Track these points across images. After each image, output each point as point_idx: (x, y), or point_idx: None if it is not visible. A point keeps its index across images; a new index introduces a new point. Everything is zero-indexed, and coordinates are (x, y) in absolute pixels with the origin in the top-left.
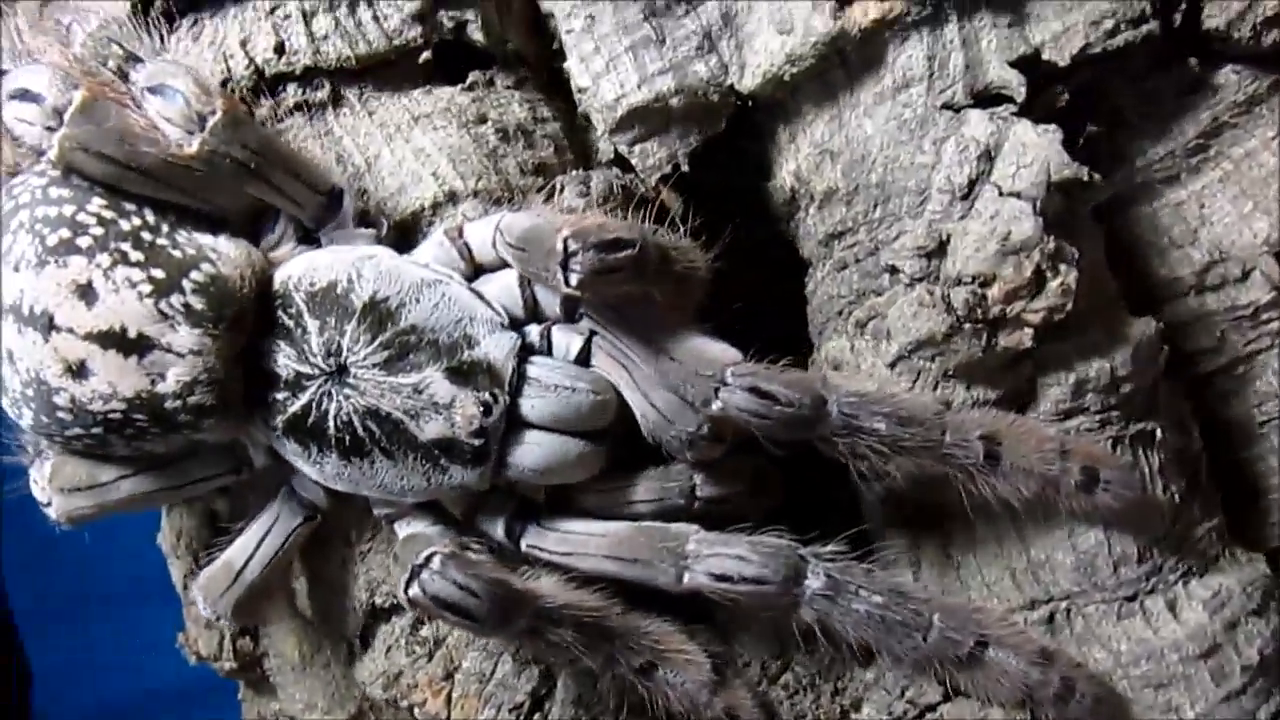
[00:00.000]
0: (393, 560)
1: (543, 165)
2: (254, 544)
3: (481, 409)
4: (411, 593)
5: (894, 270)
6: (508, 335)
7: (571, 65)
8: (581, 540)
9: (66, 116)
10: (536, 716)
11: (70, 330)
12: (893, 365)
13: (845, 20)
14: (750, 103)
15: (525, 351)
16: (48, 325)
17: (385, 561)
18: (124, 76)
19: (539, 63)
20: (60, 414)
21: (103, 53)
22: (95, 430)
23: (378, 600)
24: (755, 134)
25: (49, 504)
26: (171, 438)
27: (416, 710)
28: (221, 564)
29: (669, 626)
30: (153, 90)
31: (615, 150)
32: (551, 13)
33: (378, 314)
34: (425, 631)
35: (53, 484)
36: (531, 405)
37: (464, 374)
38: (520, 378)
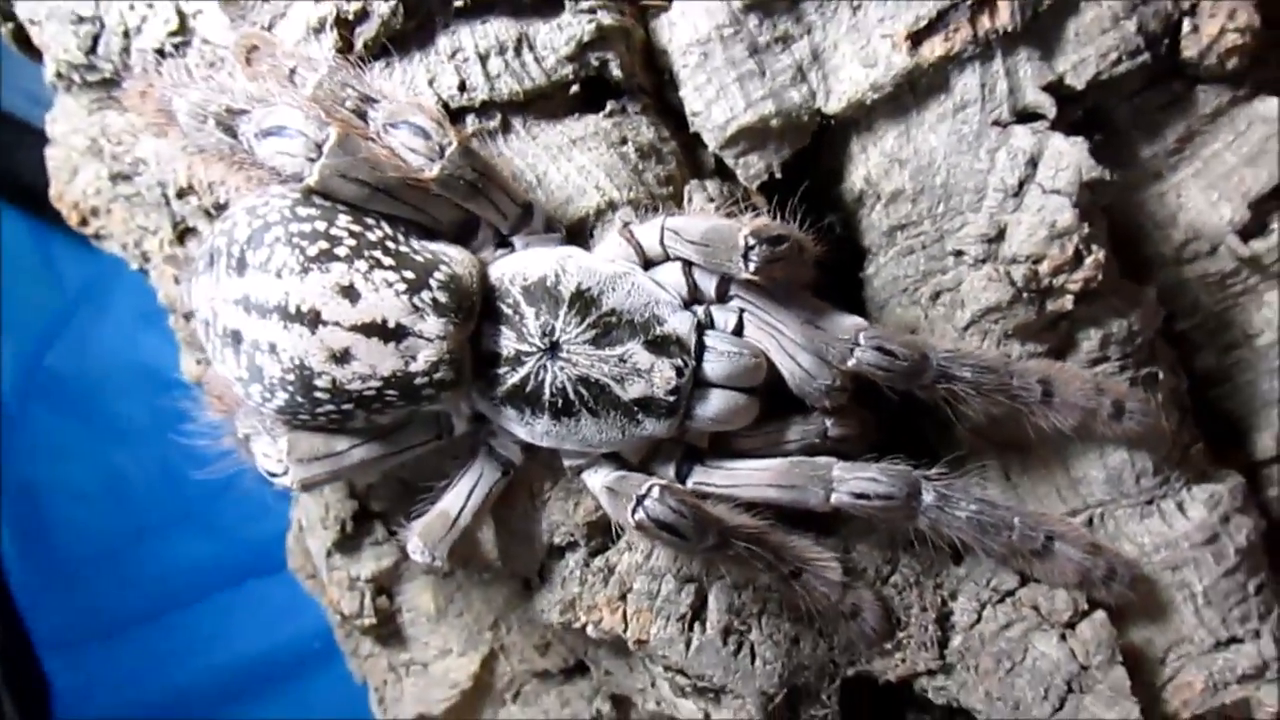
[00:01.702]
0: (572, 506)
1: (671, 177)
2: (465, 495)
3: (675, 372)
4: (637, 517)
5: (959, 253)
6: (687, 314)
7: (686, 94)
8: (744, 474)
9: (325, 149)
10: (697, 624)
11: (336, 324)
12: (965, 328)
13: (919, 56)
14: (832, 122)
15: (700, 327)
16: (314, 321)
17: (565, 507)
18: (361, 115)
19: (654, 92)
20: (317, 394)
21: (340, 95)
22: (346, 406)
23: (556, 540)
24: (831, 148)
25: (284, 473)
26: (405, 409)
27: (591, 628)
28: (437, 514)
29: (808, 540)
30: (393, 125)
31: (718, 162)
32: (666, 50)
33: (584, 300)
34: (598, 562)
35: (291, 455)
36: (712, 368)
37: (659, 345)
38: (701, 347)
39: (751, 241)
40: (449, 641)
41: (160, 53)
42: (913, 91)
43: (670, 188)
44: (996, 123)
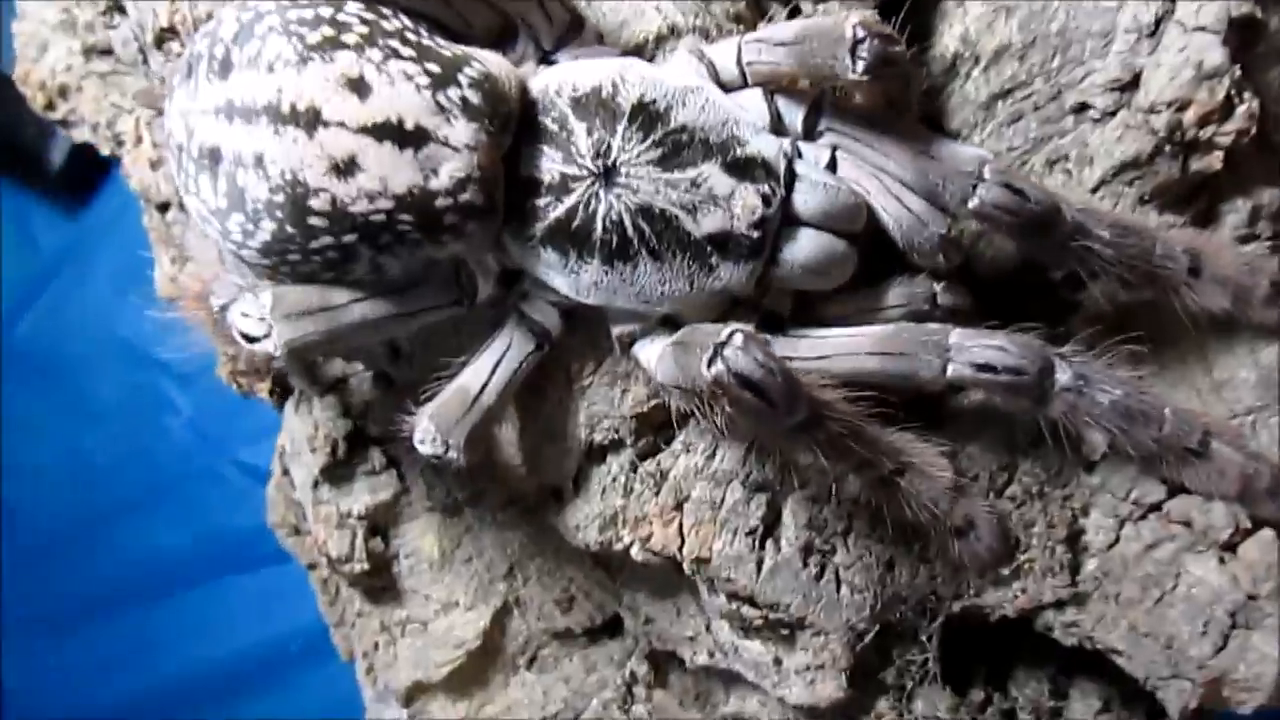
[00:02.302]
0: (618, 394)
1: (740, 16)
2: (489, 369)
3: (762, 200)
4: (715, 369)
5: (1083, 108)
6: (774, 138)
7: None
8: (839, 342)
9: None
10: (769, 541)
11: (341, 124)
12: (1095, 190)
13: None
14: None
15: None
16: (313, 120)
17: (610, 395)
18: None
19: None
20: (312, 220)
21: None
22: (346, 239)
23: (597, 437)
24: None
25: (267, 335)
26: (419, 250)
27: (638, 547)
28: (455, 390)
29: (911, 433)
30: None
31: (789, 10)
32: None
33: (647, 114)
34: (648, 466)
35: (275, 311)
36: (805, 200)
37: (741, 168)
38: (792, 175)
39: (861, 33)
40: (454, 593)
41: None
42: None
43: (739, 25)
44: None
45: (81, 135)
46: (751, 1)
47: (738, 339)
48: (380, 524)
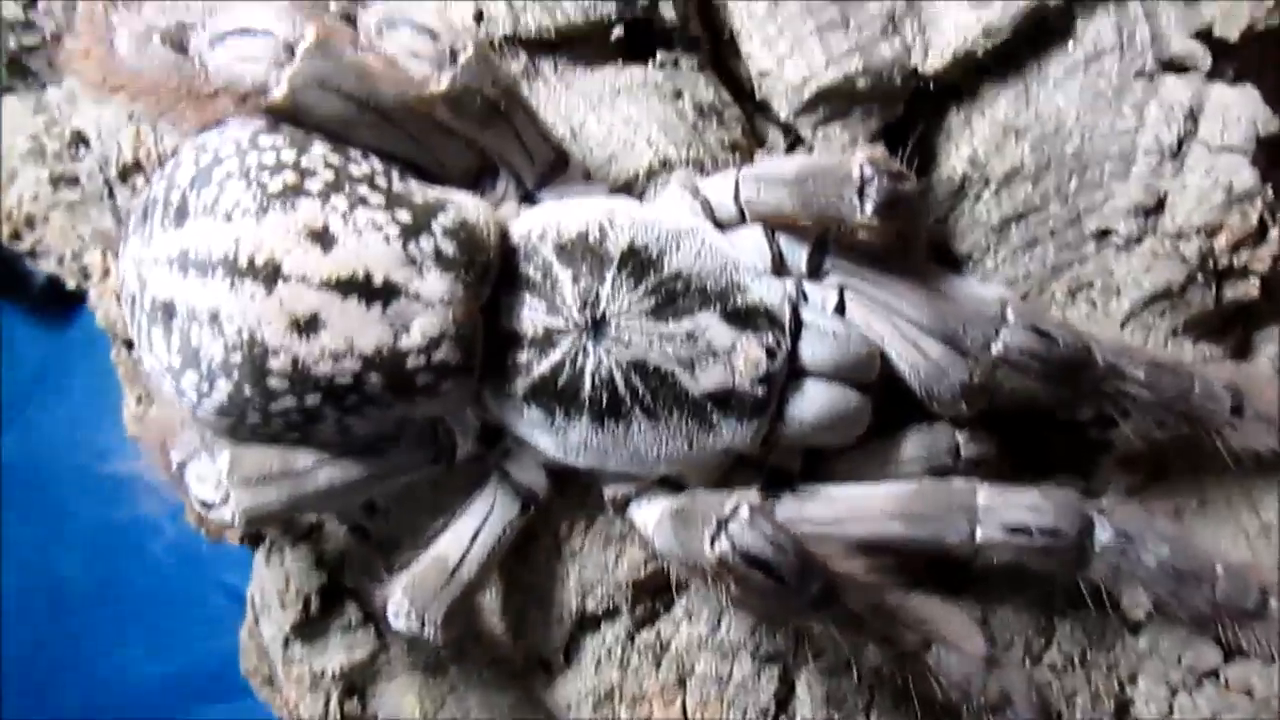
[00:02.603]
0: (612, 558)
1: (736, 144)
2: (469, 537)
3: (765, 353)
4: (719, 548)
5: (1105, 234)
6: (778, 281)
7: (752, 49)
8: (855, 503)
9: (300, 50)
10: (783, 718)
11: (302, 278)
12: (1124, 322)
13: None
14: (930, 85)
15: (793, 299)
16: (272, 275)
17: (602, 559)
18: (349, 20)
19: (710, 53)
20: (271, 382)
21: None
22: (309, 400)
23: (589, 605)
24: (920, 123)
25: (224, 501)
26: (390, 410)
27: None
28: (431, 561)
29: (937, 599)
30: (391, 25)
31: (789, 136)
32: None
33: (639, 260)
34: (646, 636)
35: (233, 476)
36: (813, 351)
37: (742, 317)
38: (797, 323)
39: (869, 171)
40: None
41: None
42: (1033, 40)
43: (736, 154)
44: (1140, 74)
45: (48, 266)
46: (747, 129)
47: (744, 513)
48: (357, 684)
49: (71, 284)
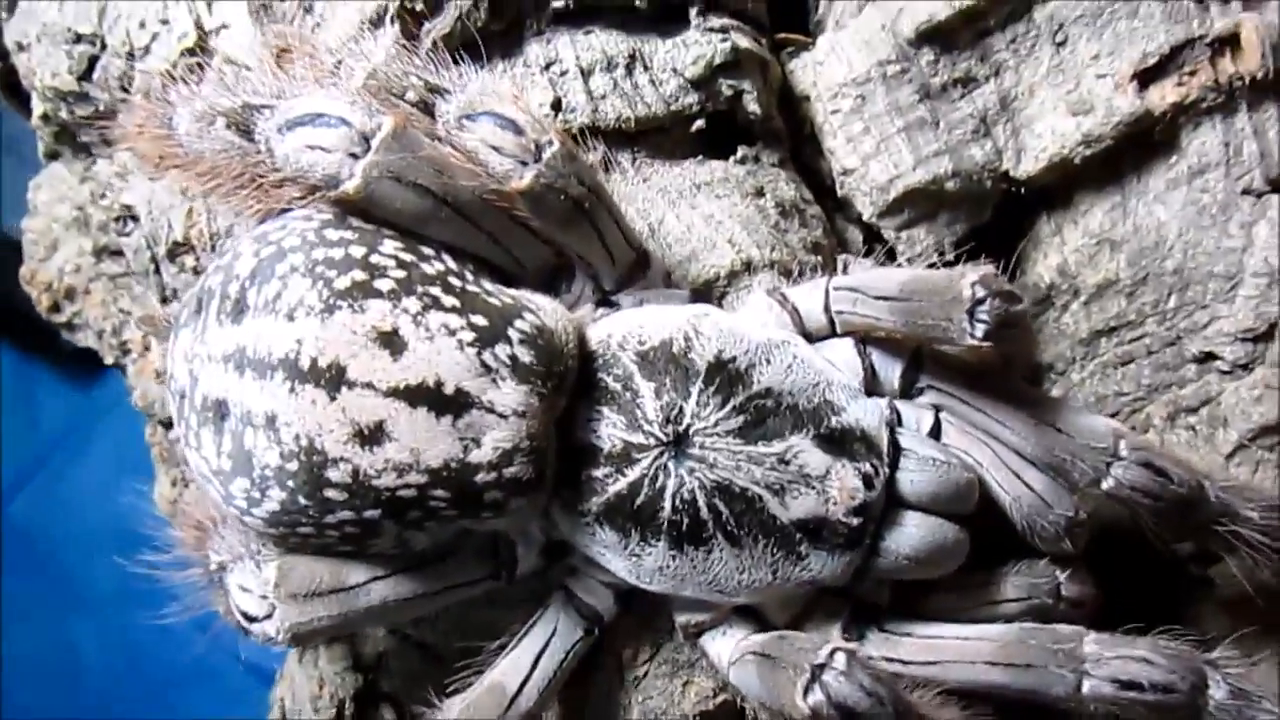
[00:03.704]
0: (679, 686)
1: (818, 244)
2: (529, 663)
3: (863, 481)
4: (812, 700)
5: (1209, 358)
6: (874, 402)
7: (835, 146)
8: (953, 647)
9: (376, 142)
10: None
11: (369, 385)
12: (1231, 454)
13: (1147, 101)
14: (1021, 190)
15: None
16: (336, 380)
17: (669, 688)
18: (427, 110)
19: (790, 149)
20: (329, 493)
21: (399, 85)
22: (368, 514)
23: None
24: (1007, 231)
25: (268, 616)
26: (453, 525)
27: None
28: (488, 688)
29: None
30: (473, 118)
31: (870, 238)
32: (808, 95)
33: (726, 375)
34: None
35: (280, 589)
36: (912, 480)
37: (837, 441)
38: (896, 449)
39: (980, 293)
40: None
41: (170, 76)
42: (1134, 150)
43: (819, 256)
44: (1247, 191)
45: (86, 340)
46: (828, 229)
47: (839, 661)
48: None
49: (110, 360)
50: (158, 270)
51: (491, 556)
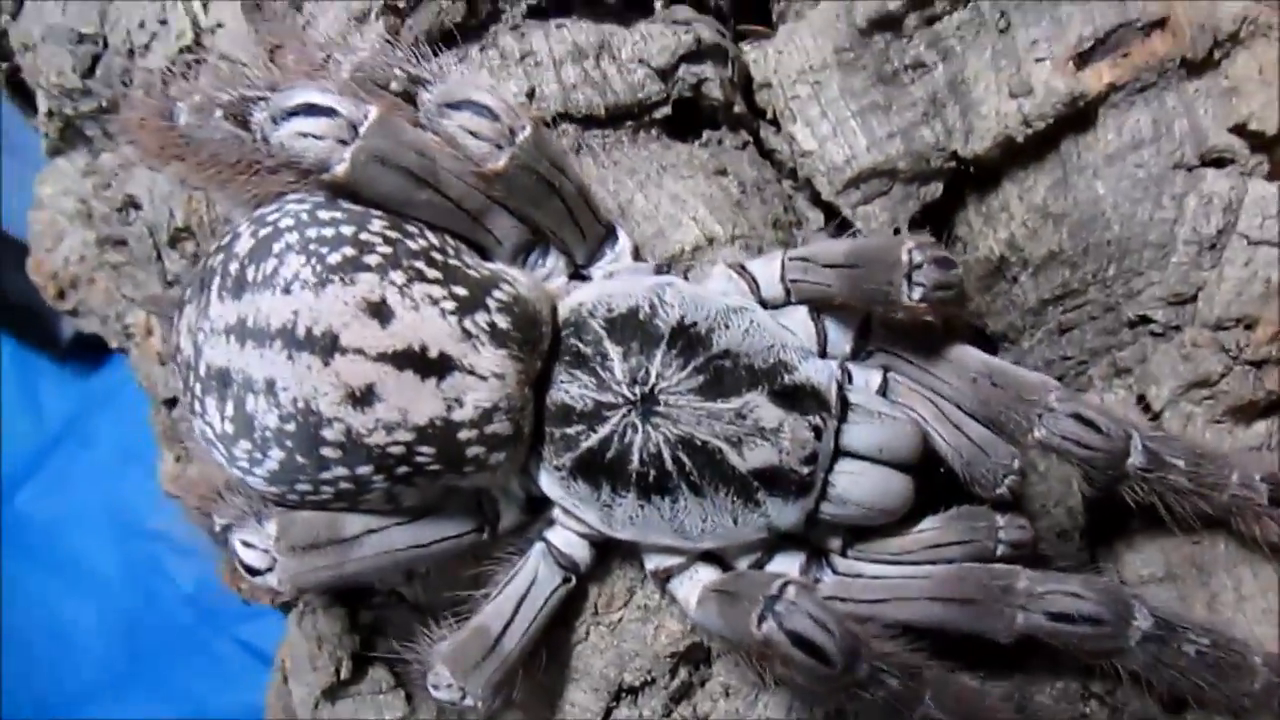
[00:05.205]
0: (651, 631)
1: (779, 221)
2: (511, 608)
3: (813, 432)
4: (765, 628)
5: (1144, 321)
6: (824, 362)
7: (795, 130)
8: (898, 584)
9: (363, 129)
10: None
11: (359, 351)
12: (1162, 410)
13: (1082, 83)
14: (971, 169)
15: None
16: (330, 347)
17: (642, 631)
18: (410, 99)
19: (751, 135)
20: (324, 451)
21: (384, 76)
22: (361, 471)
23: (627, 677)
24: (956, 209)
25: (270, 568)
26: (439, 481)
27: None
28: (473, 631)
29: (976, 684)
30: (453, 106)
31: (830, 216)
32: (769, 82)
33: (688, 338)
34: (683, 710)
35: (281, 543)
36: (859, 433)
37: (790, 398)
38: (844, 404)
39: (918, 258)
40: None
41: (168, 71)
42: (1073, 129)
43: (779, 232)
44: (1178, 165)
45: (90, 326)
46: (789, 206)
47: (790, 592)
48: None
49: (114, 344)
50: (160, 257)
51: (476, 512)
